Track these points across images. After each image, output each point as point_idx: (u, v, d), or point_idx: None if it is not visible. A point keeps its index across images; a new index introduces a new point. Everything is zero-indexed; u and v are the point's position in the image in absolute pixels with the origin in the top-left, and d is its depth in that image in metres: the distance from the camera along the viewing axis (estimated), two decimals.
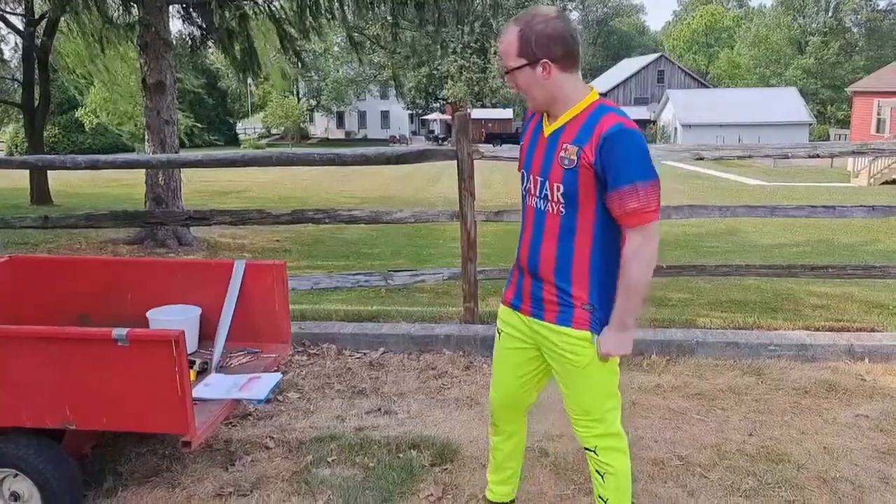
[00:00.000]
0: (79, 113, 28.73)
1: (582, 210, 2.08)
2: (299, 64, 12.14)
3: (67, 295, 3.41)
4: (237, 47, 9.72)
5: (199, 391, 2.76)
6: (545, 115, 2.18)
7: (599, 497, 2.33)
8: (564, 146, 2.07)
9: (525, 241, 2.24)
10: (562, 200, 2.09)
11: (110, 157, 5.07)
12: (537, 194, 2.16)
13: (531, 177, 2.18)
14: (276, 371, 3.10)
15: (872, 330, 4.56)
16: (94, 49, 13.34)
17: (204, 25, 9.63)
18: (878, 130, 31.27)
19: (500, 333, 2.41)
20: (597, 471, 2.31)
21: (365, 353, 4.45)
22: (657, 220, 2.04)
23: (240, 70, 10.10)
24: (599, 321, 2.15)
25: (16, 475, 2.52)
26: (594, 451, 2.28)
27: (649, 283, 2.11)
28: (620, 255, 2.10)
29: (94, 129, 29.78)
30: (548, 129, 2.15)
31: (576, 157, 2.04)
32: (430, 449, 3.17)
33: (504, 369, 2.42)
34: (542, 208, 2.15)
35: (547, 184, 2.12)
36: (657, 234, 2.06)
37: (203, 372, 3.01)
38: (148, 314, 3.21)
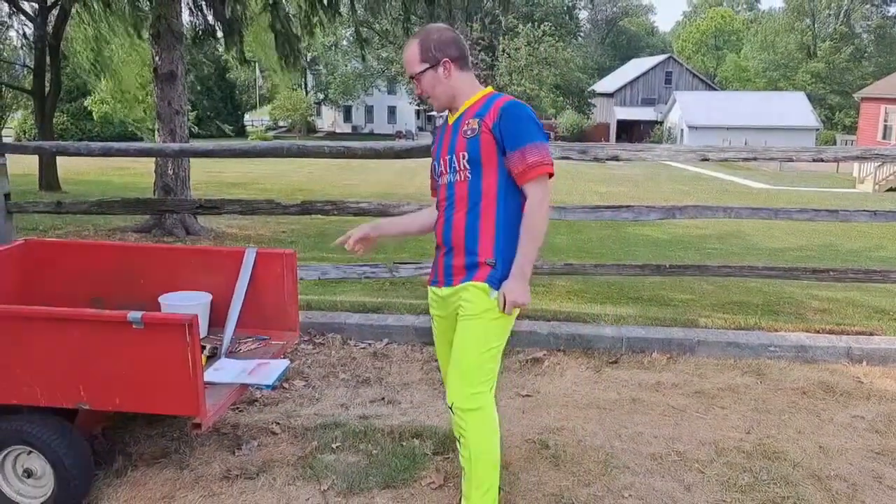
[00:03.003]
0: (87, 102, 28.77)
1: (485, 172, 2.38)
2: (302, 62, 12.09)
3: (81, 278, 3.47)
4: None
5: (209, 375, 2.83)
6: (449, 114, 2.53)
7: (462, 457, 2.46)
8: (468, 121, 2.42)
9: (440, 219, 2.54)
10: (467, 167, 2.40)
11: (123, 145, 5.12)
12: (447, 171, 2.47)
13: (442, 160, 2.49)
14: (283, 358, 3.17)
15: (871, 334, 4.61)
16: (106, 38, 13.40)
17: (214, 12, 9.61)
18: (884, 137, 31.24)
19: (433, 320, 2.67)
20: (454, 433, 2.46)
21: (370, 344, 4.51)
22: (553, 173, 2.36)
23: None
24: (498, 278, 2.39)
25: (30, 452, 2.59)
26: (451, 408, 2.41)
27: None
28: (521, 216, 2.38)
29: (103, 118, 29.82)
30: (451, 119, 2.51)
31: (477, 126, 2.38)
32: (432, 438, 3.23)
33: (443, 351, 2.65)
34: (453, 181, 2.45)
35: (453, 156, 2.43)
36: (550, 190, 2.39)
37: (213, 357, 3.07)
38: (160, 299, 3.27)
